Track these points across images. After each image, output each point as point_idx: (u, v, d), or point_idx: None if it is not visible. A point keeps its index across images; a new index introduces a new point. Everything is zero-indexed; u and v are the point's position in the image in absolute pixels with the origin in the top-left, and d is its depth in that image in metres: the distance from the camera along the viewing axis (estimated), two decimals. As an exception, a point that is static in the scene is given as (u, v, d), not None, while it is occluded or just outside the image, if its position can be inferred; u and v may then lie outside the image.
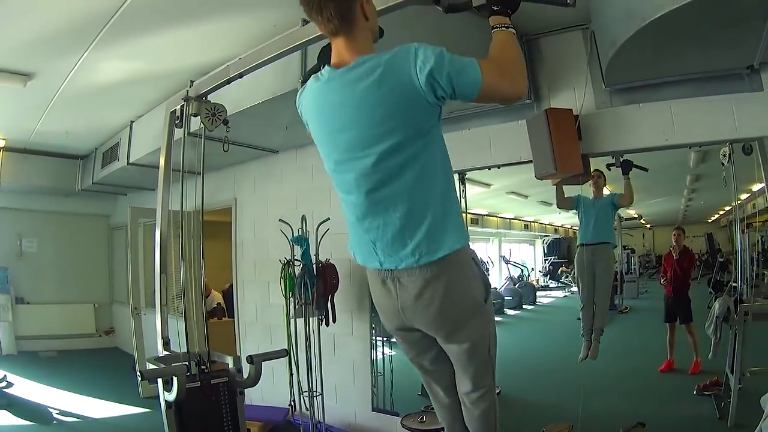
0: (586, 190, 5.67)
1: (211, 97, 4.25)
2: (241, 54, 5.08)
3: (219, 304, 9.46)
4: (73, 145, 9.78)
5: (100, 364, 10.29)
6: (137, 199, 10.69)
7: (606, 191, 5.95)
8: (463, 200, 5.86)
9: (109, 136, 8.86)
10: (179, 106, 4.28)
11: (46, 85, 6.39)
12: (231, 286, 8.54)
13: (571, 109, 4.76)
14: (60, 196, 11.53)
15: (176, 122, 4.34)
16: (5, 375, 8.81)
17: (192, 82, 4.65)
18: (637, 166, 5.37)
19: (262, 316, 7.33)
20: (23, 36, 5.12)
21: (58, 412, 7.35)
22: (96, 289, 12.19)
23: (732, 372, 4.78)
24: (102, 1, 4.49)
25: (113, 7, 4.54)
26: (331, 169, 2.50)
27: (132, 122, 7.85)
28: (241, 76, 3.85)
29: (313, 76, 2.44)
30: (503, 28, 2.42)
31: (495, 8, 2.46)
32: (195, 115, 4.17)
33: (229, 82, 3.93)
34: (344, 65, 2.30)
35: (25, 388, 8.52)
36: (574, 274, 6.63)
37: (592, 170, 5.73)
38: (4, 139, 9.22)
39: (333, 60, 2.38)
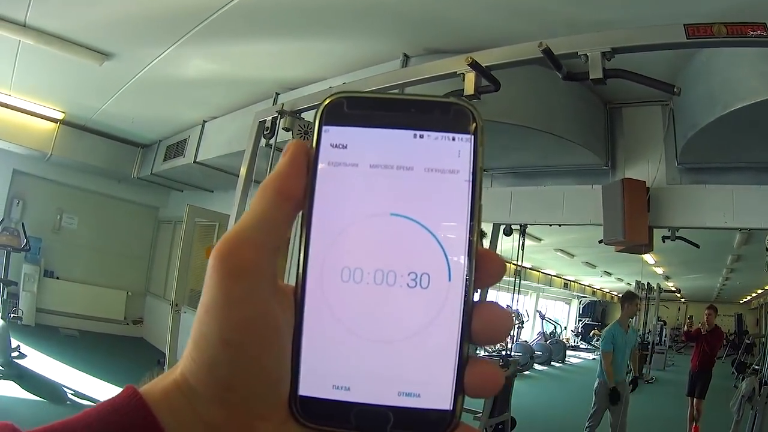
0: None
1: (303, 116, 4.25)
2: (329, 75, 5.24)
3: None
4: (136, 132, 9.88)
5: (123, 351, 10.14)
6: (192, 197, 10.65)
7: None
8: (520, 251, 5.99)
9: (176, 131, 8.96)
10: (270, 118, 4.29)
11: (123, 68, 6.41)
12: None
13: (644, 182, 4.91)
14: (112, 179, 11.65)
15: (265, 132, 4.34)
16: (18, 345, 8.66)
17: (277, 94, 4.69)
18: (688, 242, 5.48)
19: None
20: (110, 15, 5.12)
21: (72, 392, 7.27)
22: (131, 278, 12.16)
23: (749, 450, 4.88)
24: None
25: (213, 7, 4.58)
26: None
27: (205, 122, 7.94)
28: (344, 100, 3.82)
29: None
30: None
31: None
32: (287, 130, 4.18)
33: (330, 104, 3.89)
34: None
35: (40, 362, 8.43)
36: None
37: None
38: (63, 112, 9.33)
39: None
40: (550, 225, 5.51)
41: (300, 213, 0.51)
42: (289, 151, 0.51)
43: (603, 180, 5.15)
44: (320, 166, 0.50)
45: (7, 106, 8.88)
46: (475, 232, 0.48)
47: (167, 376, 0.49)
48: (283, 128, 4.20)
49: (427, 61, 3.74)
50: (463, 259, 0.48)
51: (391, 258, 0.49)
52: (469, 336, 0.48)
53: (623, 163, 5.24)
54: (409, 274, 0.49)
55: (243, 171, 4.37)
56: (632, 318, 6.22)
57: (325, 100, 0.51)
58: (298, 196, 0.50)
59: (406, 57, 4.77)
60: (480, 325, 0.48)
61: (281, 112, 4.19)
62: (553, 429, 6.32)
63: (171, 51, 5.62)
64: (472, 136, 0.50)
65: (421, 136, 0.50)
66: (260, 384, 0.48)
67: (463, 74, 2.99)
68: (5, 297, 8.42)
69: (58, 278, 11.71)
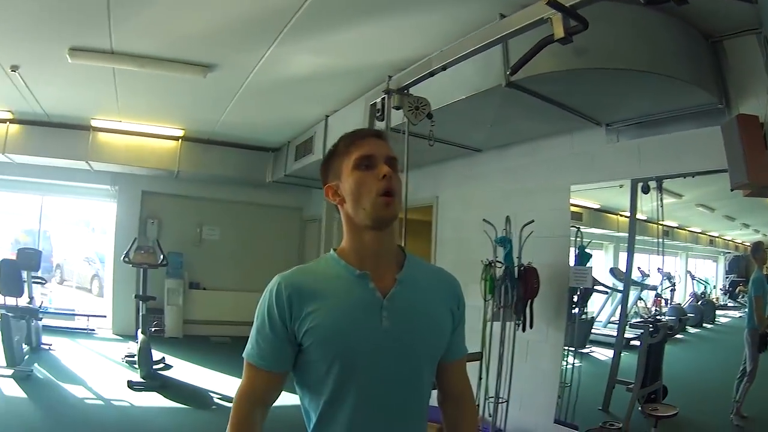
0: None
1: (412, 92, 4.20)
2: (432, 50, 5.16)
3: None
4: (260, 137, 10.26)
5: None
6: (332, 193, 10.93)
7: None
8: (661, 209, 5.79)
9: (301, 130, 9.24)
10: (380, 99, 4.28)
11: (229, 77, 6.66)
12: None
13: (758, 117, 4.48)
14: (248, 186, 12.09)
15: (377, 115, 4.32)
16: (163, 357, 9.29)
17: (390, 77, 4.77)
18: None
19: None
20: (203, 28, 5.31)
21: (219, 396, 7.64)
22: (281, 280, 12.38)
23: None
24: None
25: (297, 1, 4.65)
26: None
27: (327, 117, 8.15)
28: (444, 68, 3.83)
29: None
30: None
31: None
32: (397, 108, 4.15)
33: (432, 74, 3.92)
34: None
35: (188, 371, 8.96)
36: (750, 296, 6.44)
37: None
38: (182, 129, 9.88)
39: None
40: (684, 176, 5.27)
41: None
42: None
43: (721, 120, 4.70)
44: None
45: (119, 131, 9.51)
46: None
47: None
48: (393, 107, 4.20)
49: (523, 17, 3.67)
50: None
51: None
52: None
53: (736, 99, 4.79)
54: None
55: (361, 156, 4.29)
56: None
57: None
58: None
59: (503, 17, 4.48)
60: None
61: (388, 91, 4.20)
62: (705, 395, 6.10)
63: (272, 51, 5.77)
64: None
65: None
66: None
67: (550, 18, 2.94)
68: (144, 312, 8.87)
69: (204, 289, 12.31)
